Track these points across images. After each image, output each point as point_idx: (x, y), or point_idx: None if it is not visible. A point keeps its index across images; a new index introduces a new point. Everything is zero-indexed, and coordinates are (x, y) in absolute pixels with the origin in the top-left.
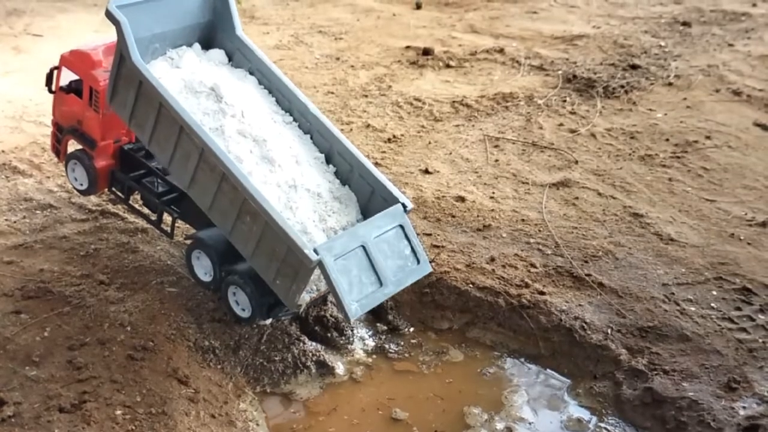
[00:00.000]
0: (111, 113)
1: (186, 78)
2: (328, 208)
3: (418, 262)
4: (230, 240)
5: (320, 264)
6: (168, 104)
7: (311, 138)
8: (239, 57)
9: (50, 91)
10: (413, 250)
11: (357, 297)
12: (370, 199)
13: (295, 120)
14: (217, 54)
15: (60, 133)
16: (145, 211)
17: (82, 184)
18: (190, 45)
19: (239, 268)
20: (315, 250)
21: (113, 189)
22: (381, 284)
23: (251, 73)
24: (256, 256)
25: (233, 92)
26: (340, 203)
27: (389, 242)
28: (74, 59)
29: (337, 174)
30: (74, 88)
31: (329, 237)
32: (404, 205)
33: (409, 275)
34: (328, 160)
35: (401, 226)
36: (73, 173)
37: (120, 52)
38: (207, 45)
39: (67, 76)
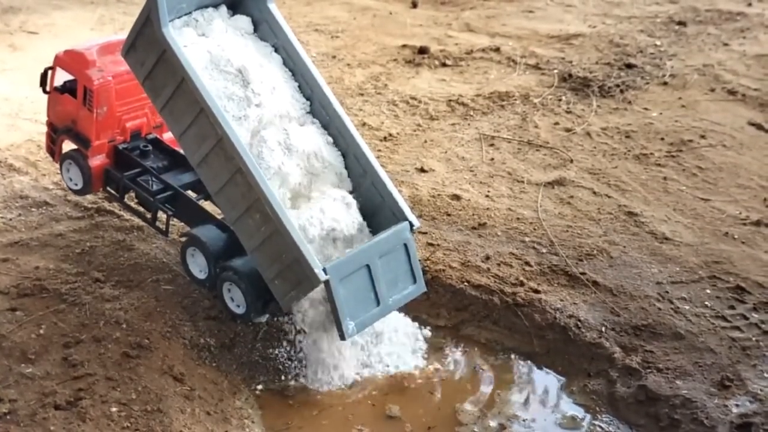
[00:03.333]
0: (105, 113)
1: (212, 51)
2: (338, 217)
3: (415, 281)
4: (232, 228)
5: (326, 283)
6: (193, 84)
7: (328, 133)
8: (266, 29)
9: (45, 91)
10: (412, 270)
11: (355, 317)
12: (378, 209)
13: (315, 111)
14: (244, 22)
15: (54, 133)
16: (141, 209)
17: (76, 184)
18: (216, 6)
19: (234, 265)
20: (324, 270)
21: (108, 188)
22: (378, 304)
23: (276, 50)
24: (258, 252)
25: (260, 77)
26: (349, 212)
27: (391, 262)
28: (68, 59)
29: (349, 176)
30: (69, 88)
31: (330, 244)
32: (411, 224)
33: (406, 295)
34: (342, 158)
35: (405, 245)
36: (68, 173)
37: (148, 14)
38: (232, 6)
39: (61, 76)
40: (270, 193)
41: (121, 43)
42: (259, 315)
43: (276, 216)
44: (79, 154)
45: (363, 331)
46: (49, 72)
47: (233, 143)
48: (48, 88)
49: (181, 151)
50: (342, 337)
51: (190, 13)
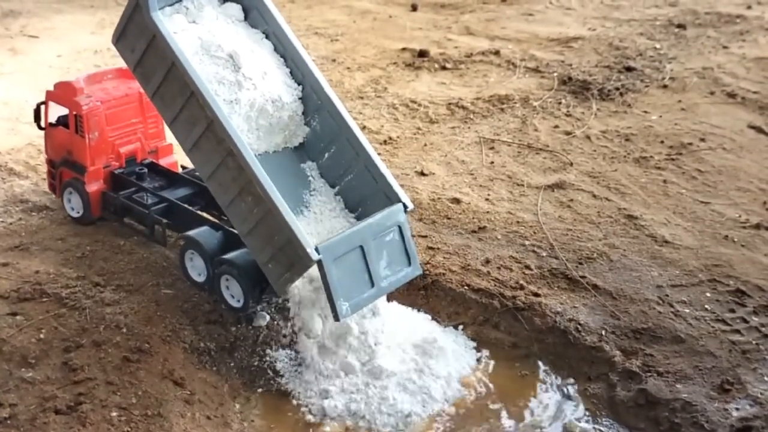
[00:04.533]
0: (97, 138)
1: (203, 37)
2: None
3: (410, 263)
4: (225, 212)
5: (319, 263)
6: (182, 68)
7: (319, 117)
8: (256, 15)
9: (40, 127)
10: (407, 252)
11: (349, 298)
12: (371, 192)
13: (306, 96)
14: (234, 9)
15: (54, 168)
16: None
17: (78, 212)
18: None
19: (228, 257)
20: (317, 249)
21: (107, 211)
22: (373, 285)
23: (267, 37)
24: (251, 236)
25: (251, 62)
26: (336, 201)
27: (385, 243)
28: (58, 91)
29: (342, 160)
30: (62, 122)
31: (318, 221)
32: (405, 206)
33: (401, 278)
34: (334, 143)
35: (399, 227)
36: (69, 203)
37: (137, 0)
38: None
39: (55, 112)
40: (261, 174)
41: (107, 73)
42: (257, 302)
43: (267, 196)
44: (77, 181)
45: (366, 344)
46: (42, 107)
47: (223, 125)
48: (43, 124)
49: (178, 171)
50: (336, 318)
51: (180, 0)
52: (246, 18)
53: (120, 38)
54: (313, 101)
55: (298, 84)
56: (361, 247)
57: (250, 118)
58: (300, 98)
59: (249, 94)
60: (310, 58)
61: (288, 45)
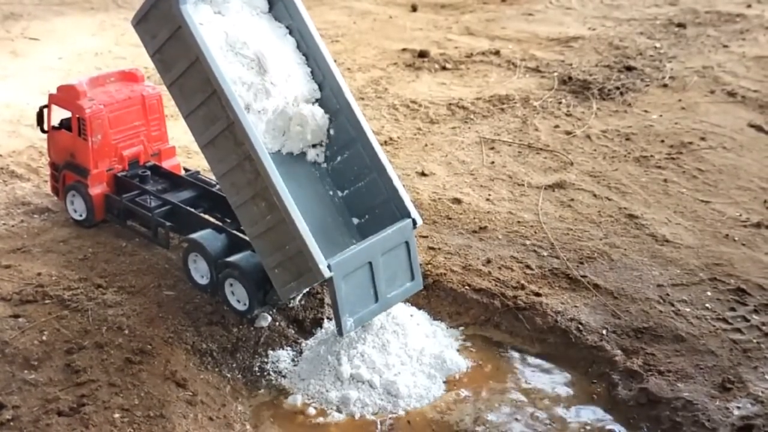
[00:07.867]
0: (100, 141)
1: (229, 32)
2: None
3: (413, 278)
4: (235, 212)
5: (329, 279)
6: (208, 65)
7: (336, 121)
8: (281, 8)
9: (43, 130)
10: (411, 267)
11: (353, 313)
12: (380, 202)
13: (325, 98)
14: (259, 0)
15: (57, 171)
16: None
17: (81, 215)
18: None
19: (232, 260)
20: (329, 266)
21: (110, 214)
22: (376, 300)
23: (290, 32)
24: (260, 239)
25: (276, 64)
26: (342, 207)
27: (392, 259)
28: (61, 94)
29: (354, 166)
30: (65, 125)
31: (322, 226)
32: (414, 221)
33: (403, 292)
34: (348, 148)
35: (406, 243)
36: (72, 206)
37: None
38: None
39: (58, 115)
40: (279, 184)
41: (110, 76)
42: (261, 306)
43: (284, 207)
44: (80, 184)
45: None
46: (45, 111)
47: (245, 129)
48: (45, 127)
49: (181, 174)
50: (340, 333)
51: None
52: (270, 9)
53: (141, 21)
54: (331, 104)
55: (318, 85)
56: (370, 263)
57: (269, 120)
58: (318, 100)
59: (272, 97)
60: (332, 60)
61: (311, 44)
